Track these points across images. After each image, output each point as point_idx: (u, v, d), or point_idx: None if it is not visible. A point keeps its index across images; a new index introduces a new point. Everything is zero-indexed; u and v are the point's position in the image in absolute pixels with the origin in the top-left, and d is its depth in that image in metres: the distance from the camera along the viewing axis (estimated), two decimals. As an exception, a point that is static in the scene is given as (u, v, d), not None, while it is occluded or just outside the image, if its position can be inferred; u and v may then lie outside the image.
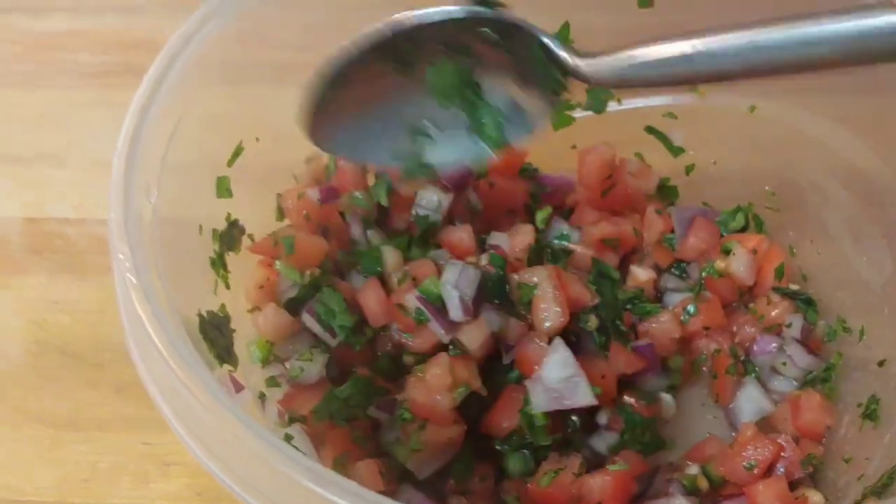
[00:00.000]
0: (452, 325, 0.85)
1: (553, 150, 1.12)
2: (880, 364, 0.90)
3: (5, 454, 0.99)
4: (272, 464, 0.61)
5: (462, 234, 0.95)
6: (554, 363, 0.85)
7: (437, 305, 0.85)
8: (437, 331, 0.85)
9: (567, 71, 0.77)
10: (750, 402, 0.94)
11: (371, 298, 0.88)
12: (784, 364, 0.96)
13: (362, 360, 0.89)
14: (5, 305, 1.12)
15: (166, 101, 0.81)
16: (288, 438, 0.83)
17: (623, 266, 1.06)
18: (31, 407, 1.02)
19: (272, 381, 0.87)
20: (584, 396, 0.84)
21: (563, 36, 1.05)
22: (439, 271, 0.88)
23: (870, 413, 0.88)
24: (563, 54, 0.76)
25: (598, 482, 0.85)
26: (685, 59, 0.71)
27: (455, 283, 0.85)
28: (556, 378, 0.84)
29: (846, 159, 0.97)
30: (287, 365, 0.87)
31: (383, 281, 0.91)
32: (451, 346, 0.86)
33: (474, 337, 0.85)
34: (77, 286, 1.14)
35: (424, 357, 0.86)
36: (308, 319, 0.88)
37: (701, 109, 1.05)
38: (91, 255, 1.17)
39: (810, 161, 1.00)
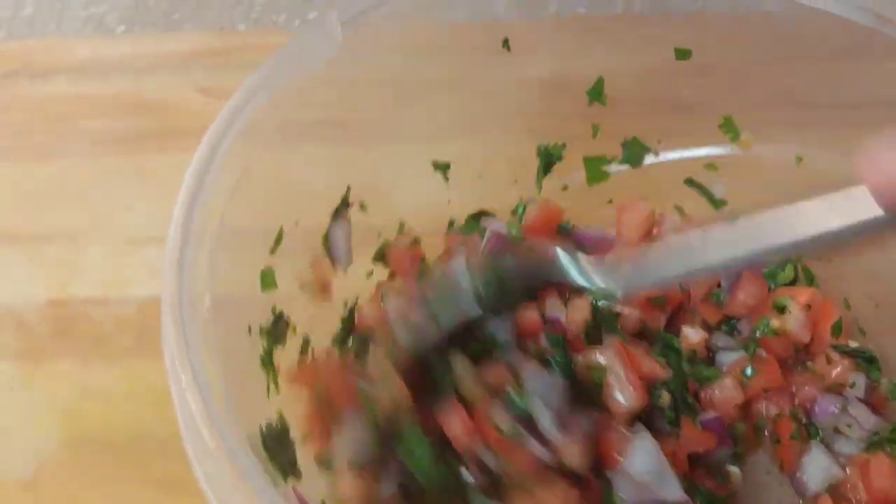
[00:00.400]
0: (548, 442, 0.80)
1: (589, 206, 1.10)
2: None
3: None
4: None
5: (532, 314, 0.90)
6: (640, 454, 0.81)
7: (527, 420, 0.80)
8: (538, 451, 0.79)
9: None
10: (818, 468, 0.91)
11: (456, 424, 0.79)
12: (849, 426, 0.93)
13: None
14: (37, 397, 1.08)
15: (219, 179, 0.79)
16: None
17: (670, 326, 1.03)
18: (71, 506, 0.99)
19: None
20: (673, 490, 0.80)
21: (598, 92, 1.03)
22: (513, 375, 0.84)
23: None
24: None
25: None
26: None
27: (542, 394, 0.80)
28: (644, 470, 0.80)
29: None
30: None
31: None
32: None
33: (576, 452, 0.79)
34: (108, 372, 1.11)
35: None
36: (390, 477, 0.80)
37: (743, 160, 1.03)
38: (119, 337, 1.14)
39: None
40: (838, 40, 0.97)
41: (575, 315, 0.92)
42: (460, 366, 0.83)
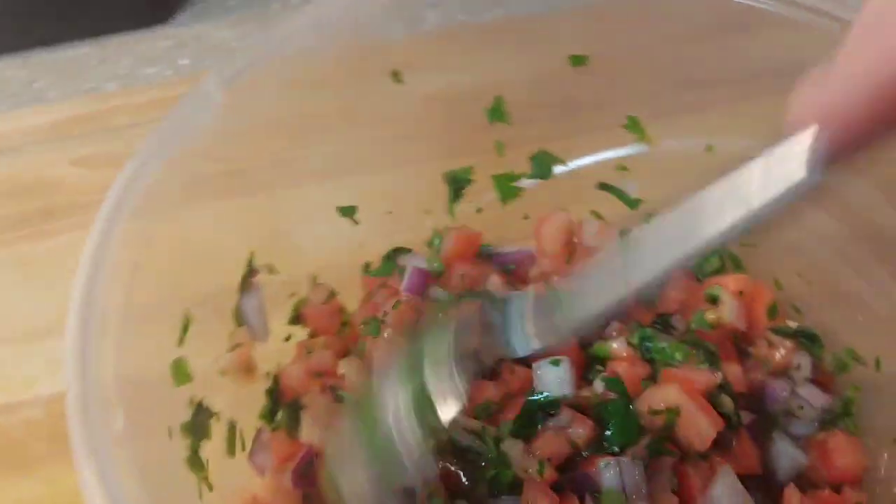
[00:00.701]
0: None
1: (505, 224, 1.06)
2: (910, 391, 0.87)
3: None
4: None
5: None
6: (723, 488, 0.79)
7: None
8: None
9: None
10: (784, 457, 0.89)
11: None
12: (801, 408, 0.91)
13: None
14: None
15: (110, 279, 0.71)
16: None
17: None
18: None
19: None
20: None
21: (498, 110, 1.00)
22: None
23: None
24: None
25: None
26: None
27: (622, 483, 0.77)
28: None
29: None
30: None
31: None
32: None
33: None
34: (25, 481, 1.02)
35: None
36: None
37: (653, 156, 1.01)
38: (31, 444, 1.05)
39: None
40: (718, 17, 0.95)
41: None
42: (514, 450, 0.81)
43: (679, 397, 0.83)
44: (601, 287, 0.73)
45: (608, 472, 0.79)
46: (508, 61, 1.02)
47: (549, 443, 0.81)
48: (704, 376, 0.86)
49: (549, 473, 0.80)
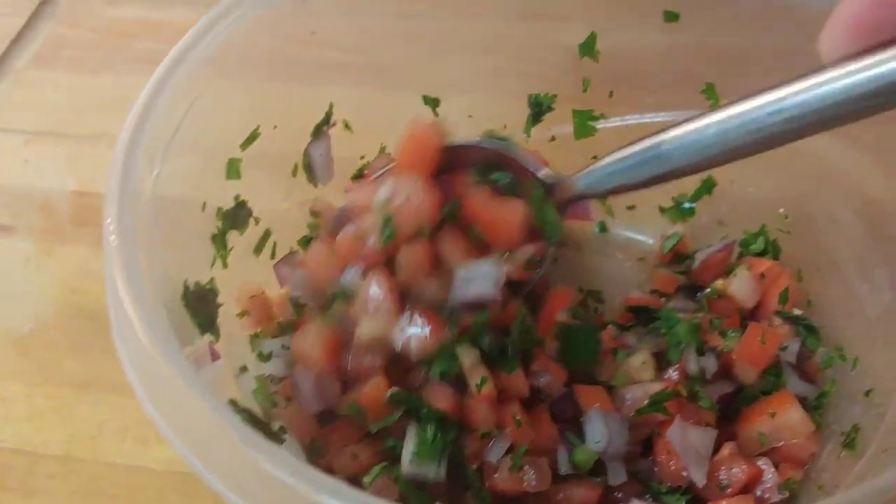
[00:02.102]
0: None
1: (574, 159, 1.13)
2: (867, 394, 0.88)
3: (23, 409, 1.05)
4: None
5: None
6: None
7: None
8: None
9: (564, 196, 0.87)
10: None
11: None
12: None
13: None
14: (48, 272, 1.19)
15: (182, 83, 0.86)
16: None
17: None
18: (54, 367, 1.09)
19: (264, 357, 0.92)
20: None
21: (590, 46, 1.07)
22: None
23: (849, 442, 0.86)
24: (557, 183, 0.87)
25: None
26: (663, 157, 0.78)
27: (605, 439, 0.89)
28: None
29: (859, 186, 0.95)
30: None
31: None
32: None
33: None
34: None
35: None
36: None
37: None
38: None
39: (824, 185, 0.98)
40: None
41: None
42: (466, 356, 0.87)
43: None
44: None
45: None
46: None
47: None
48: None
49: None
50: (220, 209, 0.92)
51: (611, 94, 1.09)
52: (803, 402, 0.93)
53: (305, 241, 1.03)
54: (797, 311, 0.99)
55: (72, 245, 1.23)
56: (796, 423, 0.88)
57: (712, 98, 1.04)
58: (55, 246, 1.23)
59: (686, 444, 0.87)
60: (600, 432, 0.88)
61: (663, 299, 1.06)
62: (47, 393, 1.06)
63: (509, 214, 0.90)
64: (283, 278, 1.00)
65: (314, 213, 1.02)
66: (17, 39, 1.49)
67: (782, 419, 0.89)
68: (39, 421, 1.04)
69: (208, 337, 0.84)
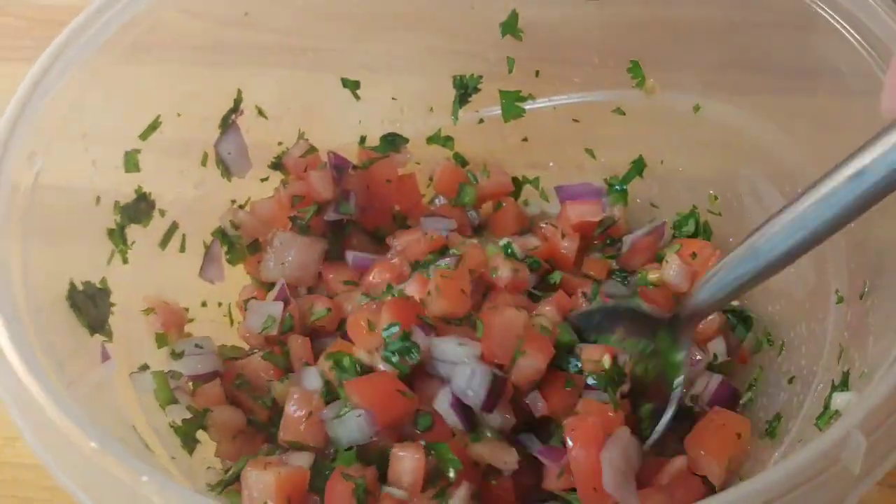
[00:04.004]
0: None
1: (504, 141, 1.10)
2: (790, 381, 0.85)
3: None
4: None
5: None
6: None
7: None
8: None
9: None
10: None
11: None
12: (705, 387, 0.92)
13: None
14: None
15: (69, 71, 0.82)
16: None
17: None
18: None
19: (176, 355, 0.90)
20: None
21: (512, 25, 1.03)
22: None
23: (771, 430, 0.83)
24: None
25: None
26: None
27: None
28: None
29: (783, 164, 0.92)
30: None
31: None
32: None
33: None
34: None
35: None
36: None
37: (648, 106, 1.02)
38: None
39: (750, 164, 0.96)
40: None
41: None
42: None
43: None
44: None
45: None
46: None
47: None
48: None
49: None
50: (117, 203, 0.88)
51: (537, 73, 1.05)
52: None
53: (220, 233, 1.00)
54: (733, 303, 0.95)
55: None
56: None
57: (638, 76, 1.01)
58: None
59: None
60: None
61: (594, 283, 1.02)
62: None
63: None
64: (209, 279, 1.00)
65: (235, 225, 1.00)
66: (-57, 29, 1.44)
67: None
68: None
69: (99, 338, 0.81)
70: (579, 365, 0.89)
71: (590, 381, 0.88)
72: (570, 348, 0.90)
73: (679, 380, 0.86)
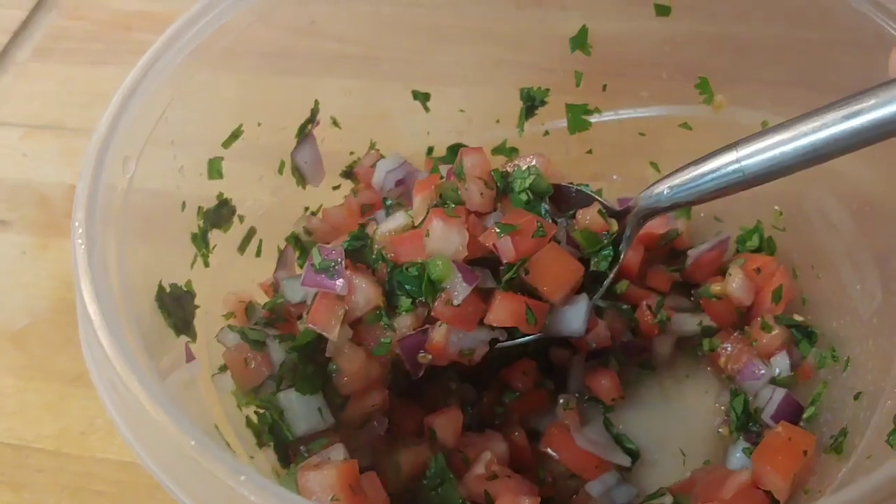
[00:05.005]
0: None
1: (571, 157, 1.12)
2: (856, 397, 0.86)
3: (15, 403, 1.06)
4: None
5: None
6: None
7: None
8: None
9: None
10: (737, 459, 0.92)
11: None
12: (768, 400, 0.93)
13: None
14: (43, 266, 1.20)
15: (163, 76, 0.85)
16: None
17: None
18: (46, 362, 1.09)
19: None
20: None
21: (581, 40, 1.05)
22: None
23: (837, 446, 0.84)
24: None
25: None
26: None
27: None
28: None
29: (853, 185, 0.92)
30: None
31: None
32: None
33: None
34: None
35: None
36: None
37: (715, 121, 1.03)
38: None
39: (818, 183, 0.96)
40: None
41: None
42: None
43: None
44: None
45: None
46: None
47: None
48: None
49: None
50: (201, 208, 0.91)
51: (604, 87, 1.07)
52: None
53: (294, 239, 1.02)
54: (798, 318, 0.97)
55: (67, 239, 1.22)
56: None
57: (706, 93, 1.03)
58: (51, 240, 1.23)
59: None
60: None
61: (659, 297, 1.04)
62: (39, 388, 1.07)
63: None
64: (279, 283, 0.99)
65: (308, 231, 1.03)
66: (19, 32, 1.49)
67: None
68: (30, 415, 1.04)
69: (184, 338, 0.84)
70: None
71: None
72: None
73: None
